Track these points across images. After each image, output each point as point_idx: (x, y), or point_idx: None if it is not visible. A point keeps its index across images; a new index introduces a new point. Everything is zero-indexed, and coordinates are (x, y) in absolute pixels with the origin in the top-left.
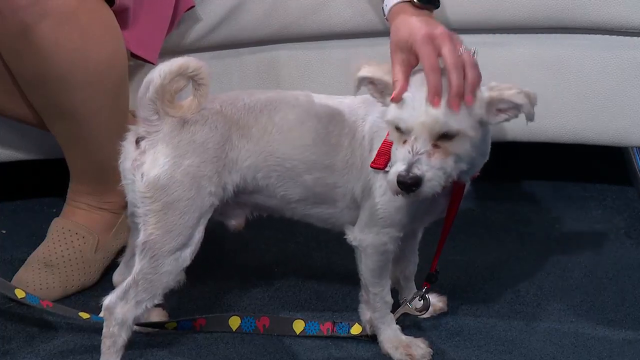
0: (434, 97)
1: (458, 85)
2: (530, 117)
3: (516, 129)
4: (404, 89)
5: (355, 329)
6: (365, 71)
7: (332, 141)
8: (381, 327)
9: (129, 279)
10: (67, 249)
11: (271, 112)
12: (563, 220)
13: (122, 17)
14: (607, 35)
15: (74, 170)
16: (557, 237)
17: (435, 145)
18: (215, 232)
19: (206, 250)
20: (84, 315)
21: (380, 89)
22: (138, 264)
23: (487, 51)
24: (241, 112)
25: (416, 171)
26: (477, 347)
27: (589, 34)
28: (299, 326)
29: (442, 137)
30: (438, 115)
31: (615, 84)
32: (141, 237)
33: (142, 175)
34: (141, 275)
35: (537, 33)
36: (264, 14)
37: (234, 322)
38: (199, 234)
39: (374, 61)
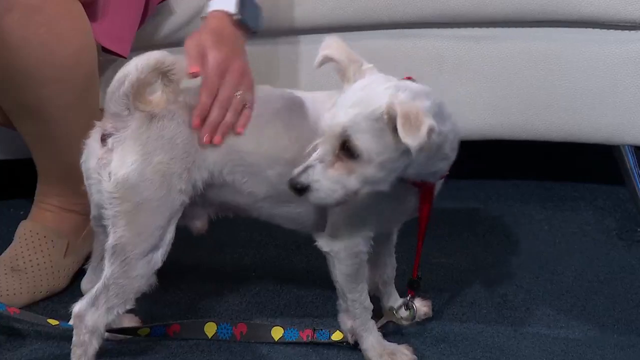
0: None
1: (214, 122)
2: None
3: (503, 125)
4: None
5: (337, 335)
6: (328, 50)
7: (292, 135)
8: (363, 334)
9: (99, 284)
10: (35, 252)
11: None
12: (552, 222)
13: (91, 9)
14: (598, 29)
15: (42, 170)
16: (546, 238)
17: (340, 158)
18: (189, 234)
19: (181, 253)
20: (53, 322)
21: (341, 71)
22: (108, 269)
23: (474, 45)
24: None
25: (303, 178)
26: (464, 354)
27: (580, 27)
28: (277, 333)
29: (347, 153)
30: (341, 121)
31: (606, 80)
32: (110, 240)
33: (109, 174)
34: (112, 280)
35: (526, 27)
36: None
37: (210, 328)
38: (170, 235)
39: (344, 43)
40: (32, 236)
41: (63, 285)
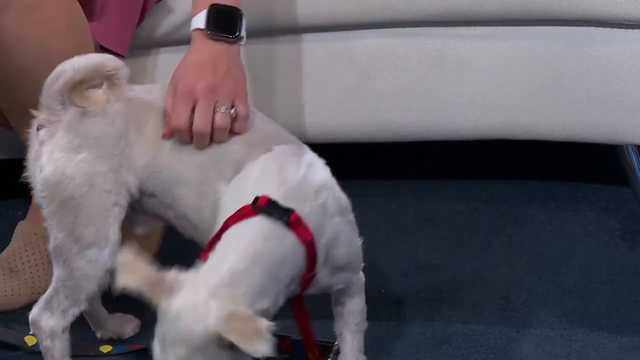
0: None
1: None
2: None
3: (504, 125)
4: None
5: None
6: (125, 279)
7: (202, 160)
8: None
9: (50, 288)
10: (34, 253)
11: None
12: (555, 222)
13: (89, 7)
14: (602, 28)
15: None
16: (548, 239)
17: None
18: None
19: (182, 257)
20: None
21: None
22: (55, 272)
23: (474, 44)
24: (145, 107)
25: None
26: (466, 356)
27: (583, 26)
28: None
29: None
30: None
31: (610, 79)
32: (50, 242)
33: (40, 169)
34: (60, 282)
35: (528, 25)
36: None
37: None
38: (112, 234)
39: (140, 261)
40: (29, 236)
41: None
